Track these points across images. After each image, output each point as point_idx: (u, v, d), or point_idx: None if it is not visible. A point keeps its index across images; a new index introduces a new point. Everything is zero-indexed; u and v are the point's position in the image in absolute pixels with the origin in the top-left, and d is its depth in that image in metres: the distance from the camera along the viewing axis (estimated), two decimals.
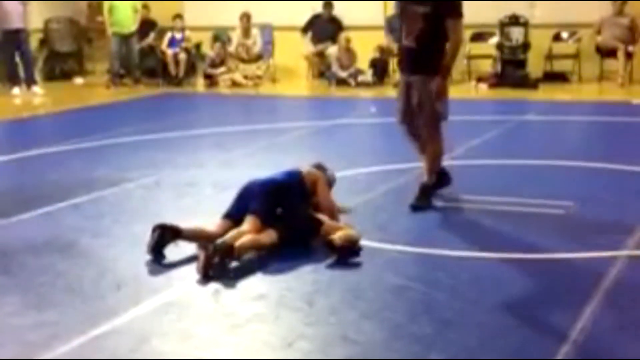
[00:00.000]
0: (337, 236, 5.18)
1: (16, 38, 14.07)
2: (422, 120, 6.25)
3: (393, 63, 14.72)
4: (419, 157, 6.38)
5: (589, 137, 10.05)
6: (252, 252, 5.16)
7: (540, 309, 4.35)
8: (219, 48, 15.15)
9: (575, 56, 14.09)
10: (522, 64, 14.19)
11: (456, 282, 4.77)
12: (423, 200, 6.28)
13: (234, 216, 5.40)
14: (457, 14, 6.04)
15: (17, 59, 14.33)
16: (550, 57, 14.23)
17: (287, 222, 5.35)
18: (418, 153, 6.44)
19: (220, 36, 15.61)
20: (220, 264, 4.90)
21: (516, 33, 14.32)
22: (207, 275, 4.85)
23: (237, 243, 5.02)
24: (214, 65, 15.10)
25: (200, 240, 5.13)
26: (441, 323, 4.17)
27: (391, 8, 14.49)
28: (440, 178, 6.42)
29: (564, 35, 14.32)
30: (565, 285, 4.70)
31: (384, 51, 14.35)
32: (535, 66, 14.16)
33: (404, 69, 6.36)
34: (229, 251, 4.94)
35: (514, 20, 14.32)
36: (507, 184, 7.03)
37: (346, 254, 5.11)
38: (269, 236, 5.24)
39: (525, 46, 14.20)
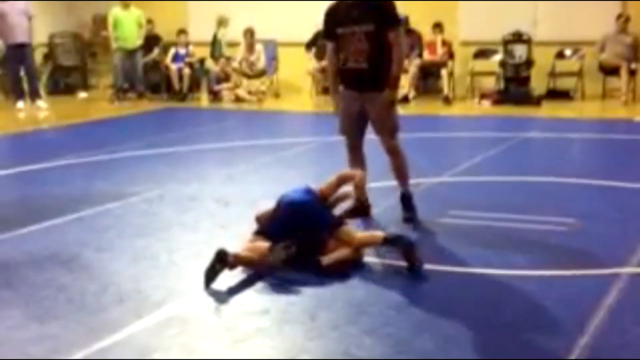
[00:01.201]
0: (328, 257, 5.22)
1: (21, 52, 14.11)
2: (383, 134, 6.38)
3: None
4: (350, 169, 6.32)
5: (591, 154, 10.06)
6: (250, 268, 5.17)
7: (543, 326, 4.34)
8: (223, 63, 15.19)
9: (578, 74, 14.11)
10: (525, 81, 14.22)
11: (459, 298, 4.77)
12: (412, 211, 6.41)
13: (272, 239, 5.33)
14: (399, 24, 6.21)
15: (22, 73, 14.38)
16: (553, 74, 14.26)
17: (301, 241, 5.33)
18: (351, 166, 6.41)
19: (224, 21, 15.54)
20: (211, 269, 4.92)
21: (519, 50, 14.36)
22: (209, 283, 4.91)
23: (235, 254, 5.03)
24: (218, 81, 15.15)
25: (254, 268, 5.18)
26: (443, 339, 4.16)
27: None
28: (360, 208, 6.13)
29: (567, 52, 14.35)
30: (567, 303, 4.68)
31: None
32: (538, 83, 14.18)
33: (354, 88, 6.32)
34: (222, 259, 4.95)
35: (517, 38, 14.36)
36: (509, 201, 7.03)
37: (331, 274, 5.12)
38: (273, 254, 5.20)
39: (529, 63, 14.24)
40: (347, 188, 5.81)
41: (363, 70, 6.17)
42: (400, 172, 6.46)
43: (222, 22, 15.51)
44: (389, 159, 6.47)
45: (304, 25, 15.09)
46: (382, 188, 6.93)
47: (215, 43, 15.63)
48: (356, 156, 6.56)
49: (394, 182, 6.56)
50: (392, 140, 6.40)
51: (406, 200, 6.47)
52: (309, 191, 5.62)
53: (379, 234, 5.48)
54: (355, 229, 5.53)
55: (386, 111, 6.28)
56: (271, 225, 5.45)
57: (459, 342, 4.14)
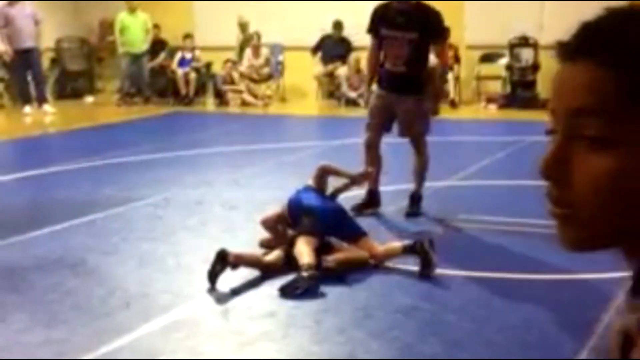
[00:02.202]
0: (332, 258, 5.23)
1: (28, 57, 14.14)
2: (409, 136, 6.64)
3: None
4: (368, 167, 6.46)
5: None
6: (252, 268, 5.19)
7: (550, 329, 4.33)
8: (229, 68, 15.21)
9: None
10: (531, 85, 14.20)
11: (465, 302, 4.76)
12: (415, 207, 6.66)
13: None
14: (444, 38, 6.52)
15: (29, 77, 14.41)
16: None
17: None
18: (370, 164, 6.54)
19: (245, 24, 15.49)
20: (212, 269, 4.94)
21: (526, 54, 14.33)
22: (213, 283, 4.94)
23: (236, 254, 5.04)
24: (224, 83, 15.18)
25: (257, 268, 5.20)
26: (450, 343, 4.16)
27: None
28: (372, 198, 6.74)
29: None
30: (575, 306, 4.68)
31: None
32: (544, 87, 14.16)
33: (390, 90, 6.54)
34: (223, 258, 4.96)
35: (524, 42, 14.34)
36: (517, 205, 7.01)
37: (335, 275, 5.14)
38: (276, 257, 5.25)
39: (535, 67, 14.21)
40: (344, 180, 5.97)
41: (400, 74, 6.42)
42: (417, 172, 6.70)
43: (243, 26, 15.45)
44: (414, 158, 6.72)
45: (310, 30, 15.11)
46: (399, 190, 6.93)
47: (243, 46, 15.54)
48: (372, 154, 6.71)
49: (411, 185, 6.66)
50: (421, 140, 6.63)
51: (414, 200, 6.69)
52: (323, 196, 5.66)
53: (397, 245, 5.46)
54: (373, 241, 5.51)
55: (414, 117, 6.50)
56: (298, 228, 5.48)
57: (466, 346, 4.14)
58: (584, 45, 0.86)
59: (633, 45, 0.83)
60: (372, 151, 6.70)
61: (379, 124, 6.66)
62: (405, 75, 6.40)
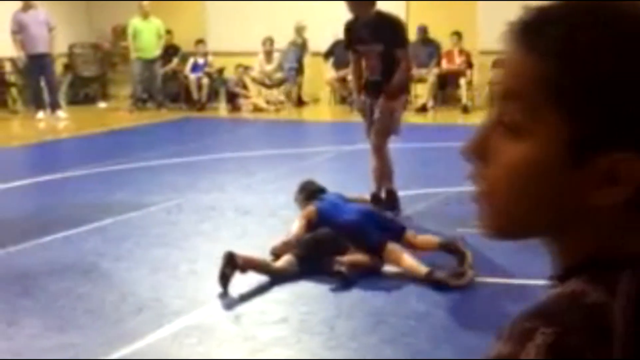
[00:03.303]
0: (344, 260, 5.23)
1: (41, 63, 14.19)
2: (374, 134, 6.83)
3: (415, 89, 14.80)
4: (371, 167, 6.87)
5: None
6: (261, 272, 5.18)
7: None
8: (241, 73, 15.22)
9: None
10: None
11: (480, 308, 4.74)
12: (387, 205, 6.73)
13: None
14: (405, 44, 6.78)
15: (42, 83, 14.47)
16: None
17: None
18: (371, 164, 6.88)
19: (302, 29, 15.44)
20: (222, 272, 4.95)
21: None
22: (225, 287, 4.97)
23: (244, 257, 5.04)
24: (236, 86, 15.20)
25: (266, 274, 5.20)
26: (464, 350, 4.13)
27: (414, 34, 14.60)
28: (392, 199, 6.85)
29: None
30: None
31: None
32: None
33: (371, 96, 6.83)
34: (230, 261, 4.95)
35: None
36: None
37: (345, 278, 5.13)
38: (287, 262, 5.24)
39: None
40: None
41: (378, 82, 6.73)
42: (376, 174, 6.86)
43: (299, 30, 15.40)
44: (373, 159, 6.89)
45: (323, 35, 15.12)
46: (412, 195, 6.92)
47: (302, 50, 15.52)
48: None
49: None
50: (379, 141, 6.79)
51: (378, 199, 6.76)
52: (362, 209, 5.75)
53: (434, 239, 5.62)
54: (400, 250, 5.47)
55: (381, 116, 6.71)
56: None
57: (480, 353, 4.10)
58: (522, 29, 0.85)
59: (562, 34, 0.82)
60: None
61: (368, 127, 6.91)
62: (382, 83, 6.69)
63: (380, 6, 6.67)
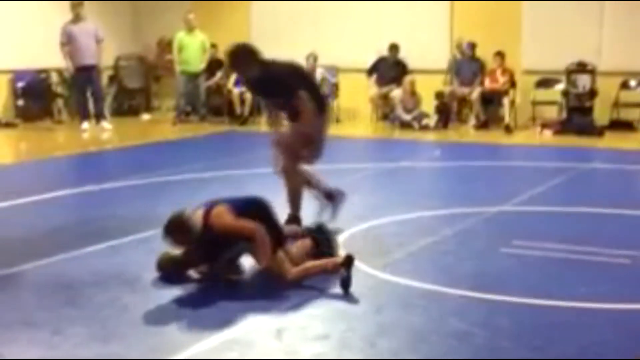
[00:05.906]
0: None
1: (88, 74, 14.39)
2: None
3: (456, 107, 14.81)
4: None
5: None
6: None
7: (604, 358, 4.27)
8: None
9: None
10: (588, 111, 14.06)
11: (521, 329, 4.71)
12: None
13: None
14: (294, 92, 7.25)
15: (88, 94, 14.67)
16: (617, 105, 14.08)
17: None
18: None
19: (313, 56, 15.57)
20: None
21: (583, 80, 14.20)
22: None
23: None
24: None
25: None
26: None
27: (456, 52, 14.58)
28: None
29: (632, 83, 14.17)
30: (630, 336, 4.61)
31: (446, 96, 14.50)
32: (601, 114, 14.01)
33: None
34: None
35: (581, 68, 14.22)
36: (571, 232, 6.94)
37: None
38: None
39: (592, 93, 14.07)
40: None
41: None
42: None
43: (309, 57, 15.44)
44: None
45: (366, 52, 15.16)
46: (439, 216, 6.91)
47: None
48: None
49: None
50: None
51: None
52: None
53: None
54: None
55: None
56: None
57: None
58: None
59: None
60: None
61: None
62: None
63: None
